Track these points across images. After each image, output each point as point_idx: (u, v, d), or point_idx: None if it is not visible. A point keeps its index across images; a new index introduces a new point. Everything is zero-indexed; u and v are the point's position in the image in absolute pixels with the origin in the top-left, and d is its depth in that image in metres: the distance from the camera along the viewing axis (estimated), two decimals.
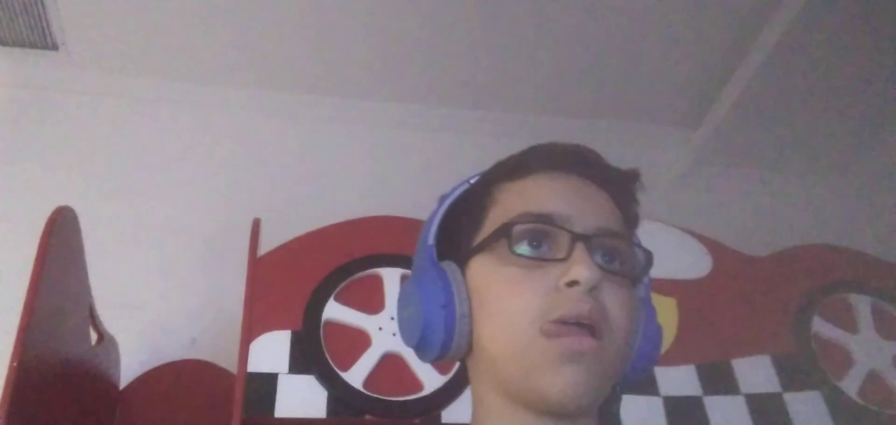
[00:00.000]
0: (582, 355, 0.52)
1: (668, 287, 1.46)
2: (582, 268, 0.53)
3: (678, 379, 1.38)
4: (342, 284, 1.38)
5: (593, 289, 0.53)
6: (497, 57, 1.92)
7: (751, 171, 2.12)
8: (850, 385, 1.43)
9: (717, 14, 1.82)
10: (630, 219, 0.61)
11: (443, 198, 0.65)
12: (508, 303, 0.55)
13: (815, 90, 1.87)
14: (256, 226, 1.43)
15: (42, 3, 1.70)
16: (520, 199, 0.59)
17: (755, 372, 1.42)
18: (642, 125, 2.14)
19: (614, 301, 0.55)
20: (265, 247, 1.42)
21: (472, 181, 0.65)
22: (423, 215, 1.49)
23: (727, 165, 2.10)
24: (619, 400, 0.60)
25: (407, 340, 0.62)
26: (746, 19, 1.81)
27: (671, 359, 1.38)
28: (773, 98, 1.89)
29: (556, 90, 2.03)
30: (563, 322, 0.53)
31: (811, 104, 1.91)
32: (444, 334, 0.57)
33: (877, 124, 2.02)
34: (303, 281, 1.37)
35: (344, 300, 1.37)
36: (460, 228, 0.62)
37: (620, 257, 0.57)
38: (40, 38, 1.79)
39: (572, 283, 0.53)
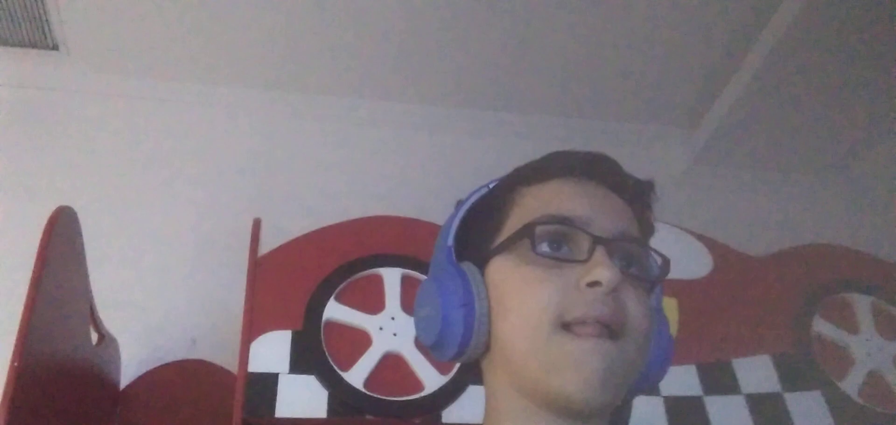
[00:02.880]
0: (603, 353, 0.53)
1: (669, 287, 1.45)
2: (604, 270, 0.54)
3: (679, 379, 1.38)
4: (342, 284, 1.38)
5: (614, 291, 0.54)
6: (497, 57, 1.92)
7: (751, 171, 2.12)
8: (851, 385, 1.43)
9: (717, 14, 1.82)
10: (645, 227, 0.63)
11: (461, 202, 0.66)
12: (529, 300, 0.56)
13: (814, 90, 1.87)
14: (256, 226, 1.43)
15: (42, 3, 1.70)
16: (540, 202, 0.60)
17: (755, 372, 1.42)
18: (642, 125, 2.14)
19: (633, 304, 0.56)
20: (265, 247, 1.43)
21: (490, 185, 0.66)
22: (423, 215, 1.50)
23: (727, 165, 2.10)
24: (629, 408, 0.61)
25: (425, 339, 0.62)
26: (746, 19, 1.81)
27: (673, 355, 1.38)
28: (773, 98, 1.88)
29: (556, 90, 2.03)
30: (584, 322, 0.53)
31: (811, 104, 1.91)
32: (463, 333, 0.58)
33: (876, 124, 2.02)
34: (303, 281, 1.37)
35: (344, 300, 1.37)
36: (478, 231, 0.63)
37: (638, 262, 0.58)
38: (40, 38, 1.79)
39: (594, 284, 0.54)
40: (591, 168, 0.62)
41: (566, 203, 0.59)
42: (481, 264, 0.60)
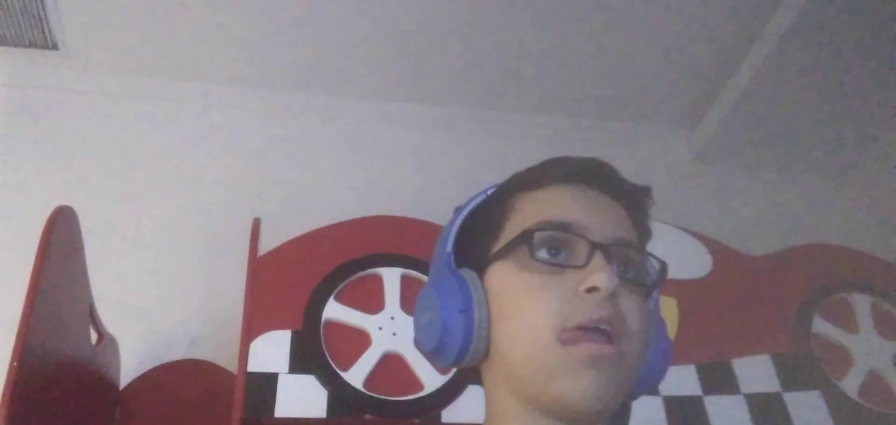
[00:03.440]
0: (601, 360, 0.53)
1: (669, 287, 1.46)
2: (602, 275, 0.54)
3: (678, 379, 1.38)
4: (342, 284, 1.38)
5: (612, 296, 0.55)
6: (497, 57, 1.92)
7: (751, 171, 2.12)
8: (851, 385, 1.43)
9: (718, 14, 1.82)
10: (642, 232, 0.63)
11: (459, 209, 0.66)
12: (528, 309, 0.56)
13: (814, 90, 1.87)
14: (256, 226, 1.43)
15: (42, 3, 1.70)
16: (538, 208, 0.60)
17: (755, 372, 1.42)
18: (642, 125, 2.14)
19: (631, 309, 0.56)
20: (265, 246, 1.42)
21: (489, 192, 0.66)
22: (423, 215, 1.49)
23: (727, 165, 2.10)
24: (628, 410, 0.61)
25: (424, 345, 0.62)
26: (746, 19, 1.81)
27: (671, 359, 1.38)
28: (773, 98, 1.89)
29: (556, 90, 2.03)
30: (582, 328, 0.54)
31: (811, 104, 1.91)
32: (463, 338, 0.58)
33: (877, 124, 2.02)
34: (303, 280, 1.37)
35: (344, 300, 1.37)
36: (477, 237, 0.63)
37: (635, 267, 0.59)
38: (40, 38, 1.79)
39: (592, 289, 0.54)
40: (589, 174, 0.62)
41: (564, 209, 0.59)
42: (480, 270, 0.61)
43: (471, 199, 0.67)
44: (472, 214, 0.65)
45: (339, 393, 1.25)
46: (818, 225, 1.96)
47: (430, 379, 1.30)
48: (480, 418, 0.64)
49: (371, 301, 1.38)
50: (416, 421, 1.27)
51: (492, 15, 1.80)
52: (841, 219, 2.03)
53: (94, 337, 1.29)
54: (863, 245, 1.72)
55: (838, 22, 1.67)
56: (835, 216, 2.05)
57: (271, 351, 1.28)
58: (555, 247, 0.57)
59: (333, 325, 1.34)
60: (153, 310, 1.60)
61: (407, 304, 1.37)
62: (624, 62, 1.95)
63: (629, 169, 0.65)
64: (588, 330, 0.54)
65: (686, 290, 1.48)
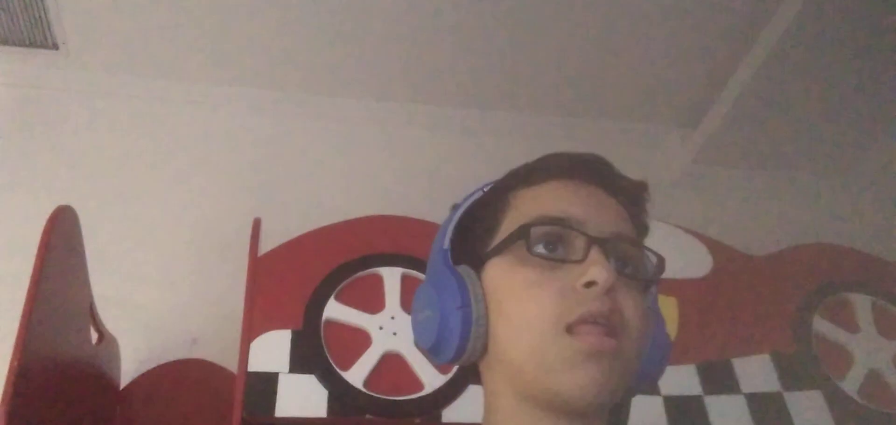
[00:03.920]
0: (600, 353, 0.53)
1: (669, 286, 1.46)
2: (599, 269, 0.54)
3: (679, 379, 1.38)
4: (342, 284, 1.39)
5: (610, 290, 0.55)
6: (497, 57, 1.92)
7: (751, 171, 2.12)
8: (851, 384, 1.43)
9: (717, 14, 1.82)
10: (639, 227, 0.63)
11: (456, 206, 0.67)
12: (527, 304, 0.56)
13: (814, 90, 1.87)
14: (257, 226, 1.43)
15: (42, 2, 1.70)
16: (536, 204, 0.60)
17: (755, 372, 1.42)
18: (642, 125, 2.14)
19: (629, 303, 0.56)
20: (265, 246, 1.43)
21: (485, 189, 0.66)
22: (423, 215, 1.49)
23: (727, 165, 2.10)
24: (628, 407, 0.61)
25: (422, 342, 0.62)
26: (746, 19, 1.81)
27: (671, 359, 1.38)
28: (773, 98, 1.88)
29: (556, 90, 2.03)
30: (582, 322, 0.54)
31: (810, 104, 1.91)
32: (461, 335, 0.58)
33: (877, 124, 2.02)
34: (303, 280, 1.37)
35: (344, 299, 1.37)
36: (474, 234, 0.63)
37: (633, 262, 0.59)
38: (40, 38, 1.79)
39: (590, 284, 0.54)
40: (585, 169, 0.62)
41: (561, 204, 0.59)
42: (478, 267, 0.61)
43: (467, 196, 0.67)
44: (469, 211, 0.66)
45: (340, 393, 1.26)
46: (818, 225, 1.96)
47: (431, 378, 1.30)
48: (480, 418, 0.64)
49: (371, 301, 1.38)
50: (417, 420, 1.27)
51: (491, 15, 1.80)
52: (841, 219, 2.03)
53: (94, 336, 1.29)
54: (863, 245, 1.72)
55: (838, 22, 1.67)
56: (835, 216, 2.05)
57: (272, 350, 1.28)
58: (552, 243, 0.57)
59: (334, 325, 1.34)
60: (153, 310, 1.60)
61: (407, 304, 1.37)
62: (623, 62, 1.95)
63: (628, 169, 0.65)
64: (587, 323, 0.54)
65: (686, 290, 1.48)
